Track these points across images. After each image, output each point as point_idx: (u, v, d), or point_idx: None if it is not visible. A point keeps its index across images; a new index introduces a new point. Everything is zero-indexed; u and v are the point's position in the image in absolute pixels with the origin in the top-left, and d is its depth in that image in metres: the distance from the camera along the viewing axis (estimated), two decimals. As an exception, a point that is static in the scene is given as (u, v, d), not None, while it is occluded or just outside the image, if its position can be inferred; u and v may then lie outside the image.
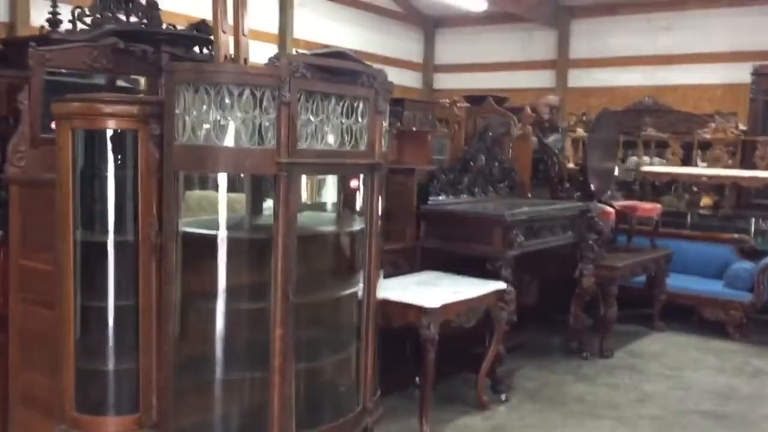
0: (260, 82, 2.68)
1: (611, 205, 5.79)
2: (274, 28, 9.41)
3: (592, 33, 10.76)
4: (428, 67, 12.24)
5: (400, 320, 3.57)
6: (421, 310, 3.49)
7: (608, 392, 4.46)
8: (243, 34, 4.05)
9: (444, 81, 12.05)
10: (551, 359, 5.12)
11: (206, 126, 2.65)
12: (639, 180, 6.84)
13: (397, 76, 11.58)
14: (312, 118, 2.85)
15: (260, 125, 2.69)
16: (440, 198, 4.50)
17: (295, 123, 2.75)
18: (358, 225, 3.20)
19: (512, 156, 5.68)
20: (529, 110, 5.67)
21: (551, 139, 7.05)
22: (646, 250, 5.96)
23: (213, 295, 2.81)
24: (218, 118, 2.64)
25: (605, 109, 6.03)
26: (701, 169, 6.60)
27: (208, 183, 3.03)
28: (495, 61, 11.49)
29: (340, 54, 2.94)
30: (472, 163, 4.75)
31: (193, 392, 2.86)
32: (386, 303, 3.57)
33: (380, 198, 3.28)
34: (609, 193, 6.38)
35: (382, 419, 3.71)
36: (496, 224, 4.08)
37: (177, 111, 2.66)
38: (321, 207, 3.44)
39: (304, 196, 3.34)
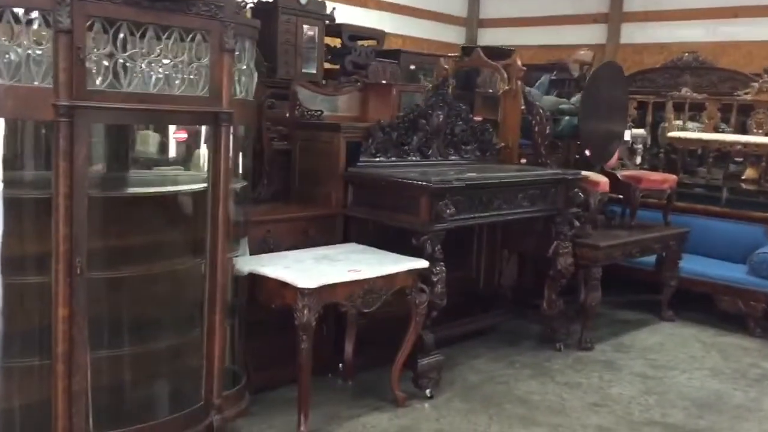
0: (27, 3, 2.17)
1: (612, 174, 5.02)
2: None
3: (649, -17, 9.63)
4: (472, 21, 11.37)
5: (278, 301, 3.03)
6: (297, 291, 2.94)
7: (563, 393, 3.79)
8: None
9: (488, 37, 11.14)
10: (518, 348, 4.46)
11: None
12: (664, 148, 5.97)
13: (438, 32, 10.86)
14: (114, 52, 2.33)
15: (28, 58, 2.18)
16: (377, 160, 3.89)
17: (82, 57, 2.23)
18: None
19: (500, 115, 5.01)
20: (519, 63, 4.92)
21: (573, 99, 6.27)
22: (655, 227, 5.15)
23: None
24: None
25: (608, 62, 5.21)
26: (735, 136, 5.66)
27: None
28: (543, 14, 10.52)
29: (155, -26, 2.38)
30: (423, 121, 4.10)
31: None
32: (264, 280, 3.06)
33: (236, 153, 2.75)
34: (621, 160, 5.59)
35: (269, 412, 3.26)
36: (421, 192, 3.45)
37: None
38: (178, 161, 2.93)
39: (152, 148, 2.85)
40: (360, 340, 3.80)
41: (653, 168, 6.25)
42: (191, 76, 2.51)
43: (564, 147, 5.59)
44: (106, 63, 2.29)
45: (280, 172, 4.00)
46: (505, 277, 4.94)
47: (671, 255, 5.13)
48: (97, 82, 2.29)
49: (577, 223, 4.39)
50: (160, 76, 2.43)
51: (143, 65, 2.38)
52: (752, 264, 5.03)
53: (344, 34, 5.89)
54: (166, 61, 2.44)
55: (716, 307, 5.15)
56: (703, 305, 5.28)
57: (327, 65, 6.08)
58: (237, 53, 2.65)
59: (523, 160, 5.01)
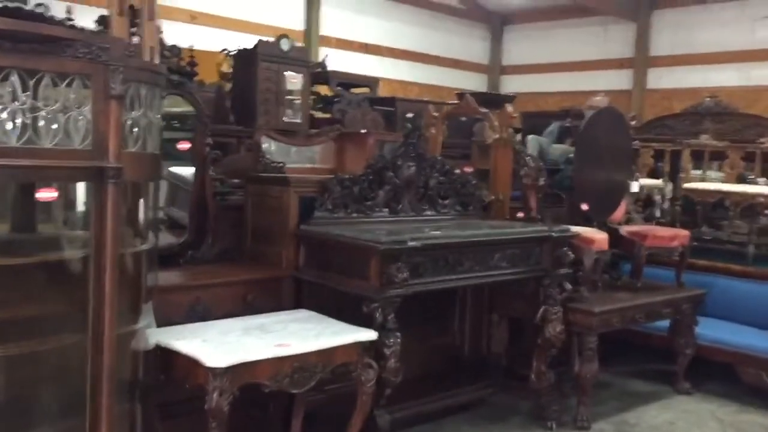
0: None
1: (615, 230, 4.54)
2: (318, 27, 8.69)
3: (677, 25, 9.20)
4: (495, 68, 11.07)
5: (192, 380, 2.64)
6: (207, 370, 2.56)
7: (543, 485, 3.30)
8: (150, 18, 3.38)
9: (512, 83, 10.82)
10: (505, 426, 3.98)
11: None
12: (681, 199, 5.47)
13: (459, 79, 10.56)
14: (-35, 100, 2.03)
15: None
16: (336, 216, 3.53)
17: None
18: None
19: (491, 166, 4.62)
20: (510, 109, 4.54)
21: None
22: (666, 288, 4.64)
23: None
24: None
25: (607, 108, 4.78)
26: (757, 188, 5.13)
27: None
28: (567, 60, 10.17)
29: (17, 11, 2.09)
30: (390, 173, 3.73)
31: None
32: (175, 356, 2.68)
33: (134, 212, 2.42)
34: (629, 214, 5.12)
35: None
36: (370, 253, 3.06)
37: None
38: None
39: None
40: (313, 417, 3.39)
41: (673, 222, 5.75)
42: (69, 126, 2.20)
43: (569, 200, 5.15)
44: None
45: (232, 229, 3.67)
46: (495, 343, 4.47)
47: (685, 320, 4.59)
48: (-56, 134, 1.99)
49: (568, 286, 3.93)
50: (27, 126, 2.12)
51: (3, 114, 2.08)
52: (778, 331, 4.47)
53: (332, 81, 5.63)
54: (34, 110, 2.13)
55: (740, 378, 4.58)
56: (727, 376, 4.70)
57: (319, 114, 5.81)
58: (130, 100, 2.34)
59: (520, 214, 4.59)
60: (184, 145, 3.49)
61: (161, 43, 3.84)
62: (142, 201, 2.56)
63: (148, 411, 2.68)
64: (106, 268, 2.30)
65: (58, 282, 2.40)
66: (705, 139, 5.71)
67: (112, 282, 2.31)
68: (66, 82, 2.20)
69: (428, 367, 4.04)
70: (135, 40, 3.50)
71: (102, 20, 4.74)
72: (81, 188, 2.54)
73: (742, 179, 5.78)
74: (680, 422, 4.19)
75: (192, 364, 2.61)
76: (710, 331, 4.71)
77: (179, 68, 3.93)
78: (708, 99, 6.43)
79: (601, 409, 4.27)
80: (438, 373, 4.09)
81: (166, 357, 2.68)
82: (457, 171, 4.18)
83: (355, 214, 3.61)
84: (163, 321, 2.86)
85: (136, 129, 2.38)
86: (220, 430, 2.55)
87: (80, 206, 2.64)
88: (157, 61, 3.34)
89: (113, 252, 2.31)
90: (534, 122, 7.04)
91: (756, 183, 5.45)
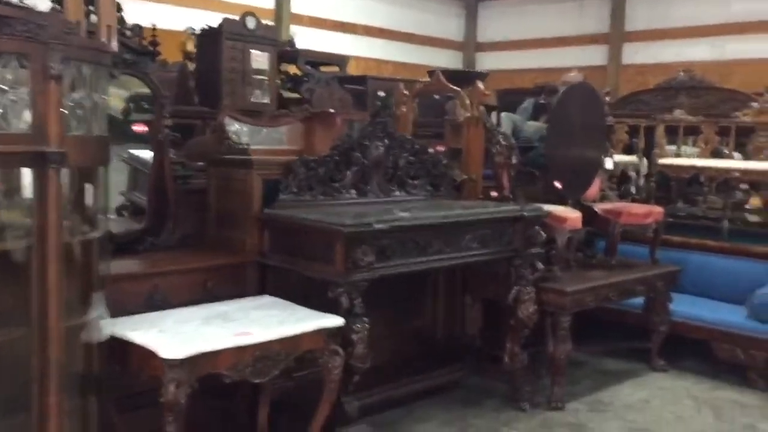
0: None
1: (589, 208, 4.48)
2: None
3: (652, 0, 9.13)
4: (470, 45, 10.95)
5: (147, 372, 2.54)
6: (162, 362, 2.46)
7: (515, 469, 3.25)
8: (107, -5, 3.20)
9: (487, 61, 10.73)
10: (479, 409, 3.93)
11: None
12: (655, 175, 5.42)
13: (433, 57, 10.43)
14: None
15: None
16: (302, 199, 3.42)
17: None
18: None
19: (463, 145, 4.52)
20: (481, 86, 4.44)
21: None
22: (640, 266, 4.59)
23: None
24: None
25: (579, 83, 4.71)
26: (731, 162, 5.09)
27: None
28: (543, 36, 10.07)
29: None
30: (357, 154, 3.62)
31: None
32: (130, 347, 2.58)
33: (80, 198, 2.30)
34: (603, 191, 5.05)
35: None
36: (334, 237, 2.97)
37: None
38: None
39: None
40: (281, 404, 3.31)
41: (648, 198, 5.69)
42: (6, 110, 2.08)
43: (543, 178, 5.07)
44: None
45: (195, 214, 3.55)
46: (470, 326, 4.40)
47: (659, 297, 4.56)
48: None
49: (540, 266, 3.86)
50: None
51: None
52: (752, 306, 4.44)
53: (300, 60, 5.48)
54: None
55: (715, 355, 4.56)
56: (702, 353, 4.68)
57: (288, 94, 5.67)
58: (72, 81, 2.21)
59: (494, 194, 4.51)
60: (140, 127, 3.36)
61: (121, 21, 3.70)
62: (90, 186, 2.43)
63: (104, 404, 2.59)
64: (49, 258, 2.19)
65: (6, 273, 2.28)
66: (679, 113, 5.65)
67: (57, 272, 2.20)
68: (1, 62, 2.07)
69: (400, 352, 3.97)
70: (92, 18, 3.37)
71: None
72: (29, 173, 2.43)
73: (717, 154, 5.74)
74: (655, 400, 4.16)
75: (147, 355, 2.51)
76: (685, 307, 4.68)
77: (141, 47, 3.79)
78: (682, 73, 6.37)
79: (576, 389, 4.23)
80: (410, 357, 4.02)
81: (121, 349, 2.58)
82: (431, 150, 4.10)
83: (321, 197, 3.50)
84: (121, 311, 2.75)
85: (80, 111, 2.26)
86: (177, 423, 2.46)
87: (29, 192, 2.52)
88: (114, 40, 3.21)
89: (57, 241, 2.20)
90: (510, 99, 6.93)
91: (731, 157, 5.41)
